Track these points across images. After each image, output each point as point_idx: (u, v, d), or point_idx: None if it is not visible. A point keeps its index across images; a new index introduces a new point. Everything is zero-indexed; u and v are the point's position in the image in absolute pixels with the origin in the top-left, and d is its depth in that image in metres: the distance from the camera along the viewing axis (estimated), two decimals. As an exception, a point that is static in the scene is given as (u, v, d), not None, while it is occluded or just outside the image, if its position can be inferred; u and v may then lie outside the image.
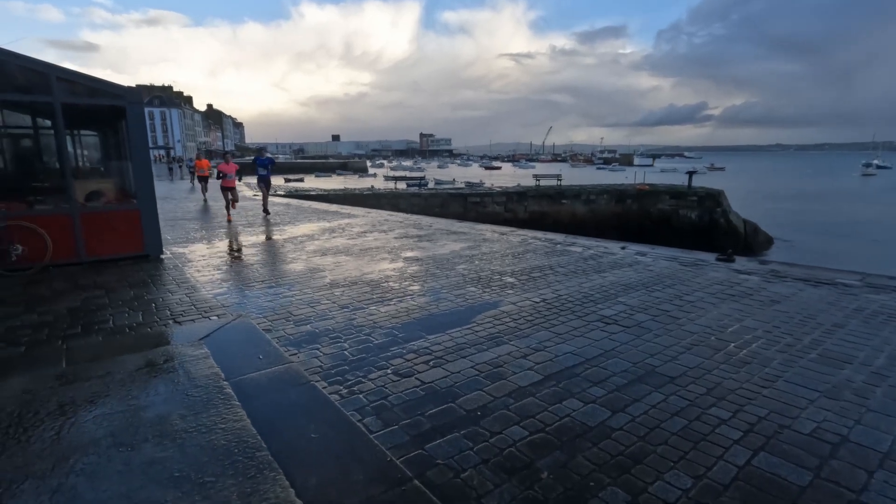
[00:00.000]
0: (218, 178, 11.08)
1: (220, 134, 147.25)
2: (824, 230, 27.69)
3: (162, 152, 79.57)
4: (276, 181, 44.47)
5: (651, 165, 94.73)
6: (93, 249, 7.02)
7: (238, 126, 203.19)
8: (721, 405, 2.99)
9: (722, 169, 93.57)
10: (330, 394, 3.15)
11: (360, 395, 3.13)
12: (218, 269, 6.75)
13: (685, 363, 3.59)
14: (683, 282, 5.90)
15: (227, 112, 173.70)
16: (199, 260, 7.39)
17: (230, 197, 12.34)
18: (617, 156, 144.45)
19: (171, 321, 4.56)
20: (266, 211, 13.16)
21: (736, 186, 39.03)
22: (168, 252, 7.91)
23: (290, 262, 7.24)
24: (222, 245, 8.80)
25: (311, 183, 50.73)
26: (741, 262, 7.10)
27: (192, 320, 4.56)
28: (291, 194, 23.36)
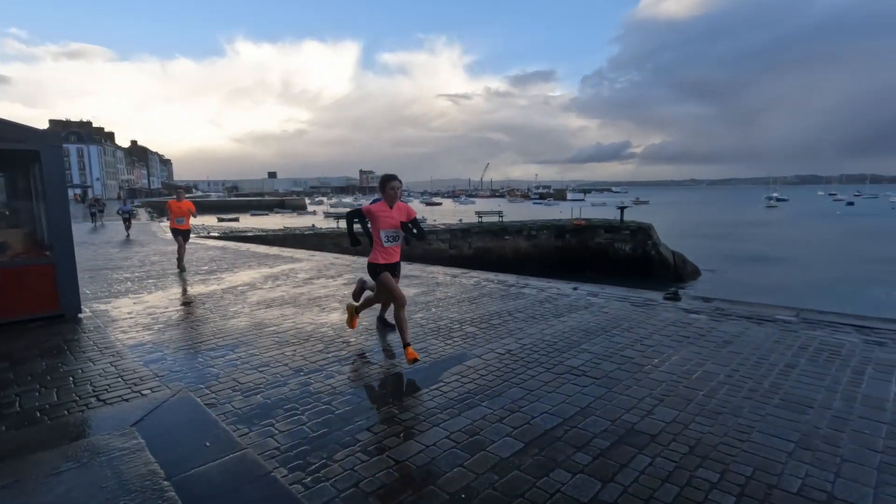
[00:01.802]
0: (352, 240, 5.53)
1: (145, 171, 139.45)
2: (743, 258, 30.13)
3: (78, 192, 73.77)
4: (209, 220, 41.93)
5: (583, 200, 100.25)
6: (-5, 312, 6.13)
7: (166, 163, 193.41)
8: (707, 465, 2.92)
9: (646, 202, 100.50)
10: (292, 483, 2.77)
11: (328, 484, 2.78)
12: (148, 330, 6.07)
13: (661, 417, 3.54)
14: (639, 324, 5.99)
15: (153, 149, 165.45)
16: (124, 318, 6.64)
17: (388, 286, 4.99)
18: (551, 191, 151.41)
19: (93, 399, 3.95)
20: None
21: (660, 219, 41.75)
22: (87, 310, 7.06)
23: (231, 316, 6.66)
24: (151, 299, 8.00)
25: (247, 222, 48.69)
26: (686, 300, 7.38)
27: (121, 398, 3.97)
28: (227, 236, 22.20)
